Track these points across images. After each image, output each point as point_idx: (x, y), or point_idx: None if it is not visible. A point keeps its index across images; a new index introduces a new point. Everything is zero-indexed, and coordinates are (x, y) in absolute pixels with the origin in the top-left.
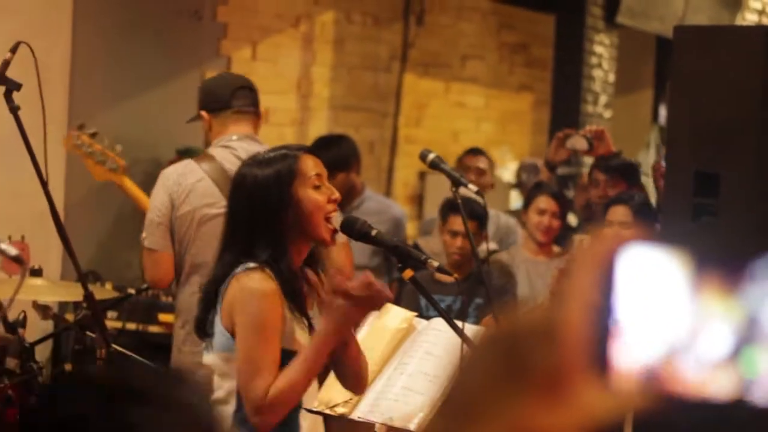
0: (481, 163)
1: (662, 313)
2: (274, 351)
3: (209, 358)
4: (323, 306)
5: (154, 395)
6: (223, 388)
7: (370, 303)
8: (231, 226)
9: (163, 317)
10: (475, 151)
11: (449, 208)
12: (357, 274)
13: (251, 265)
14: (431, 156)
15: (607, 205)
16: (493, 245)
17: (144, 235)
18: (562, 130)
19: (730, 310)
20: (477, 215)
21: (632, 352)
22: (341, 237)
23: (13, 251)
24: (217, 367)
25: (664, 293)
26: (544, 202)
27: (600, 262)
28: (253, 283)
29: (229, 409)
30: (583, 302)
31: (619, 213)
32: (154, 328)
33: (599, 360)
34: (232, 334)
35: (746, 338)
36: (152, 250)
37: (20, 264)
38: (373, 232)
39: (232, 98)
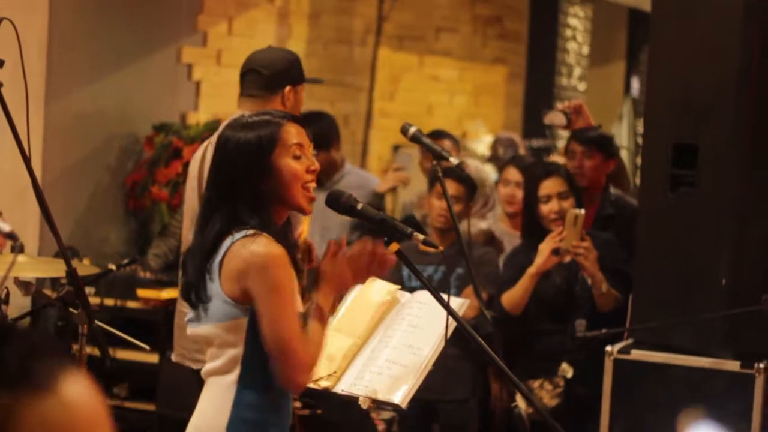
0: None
1: None
2: (296, 312)
3: (204, 329)
4: (324, 271)
5: None
6: (221, 357)
7: (371, 268)
8: (214, 189)
9: (142, 293)
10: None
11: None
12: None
13: (249, 231)
14: (412, 129)
15: (537, 179)
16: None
17: None
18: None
19: None
20: (466, 181)
21: None
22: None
23: (6, 227)
24: (217, 337)
25: None
26: (508, 173)
27: None
28: (262, 248)
29: (229, 378)
30: None
31: (553, 185)
32: (132, 304)
33: None
34: (237, 300)
35: None
36: None
37: (14, 240)
38: (359, 206)
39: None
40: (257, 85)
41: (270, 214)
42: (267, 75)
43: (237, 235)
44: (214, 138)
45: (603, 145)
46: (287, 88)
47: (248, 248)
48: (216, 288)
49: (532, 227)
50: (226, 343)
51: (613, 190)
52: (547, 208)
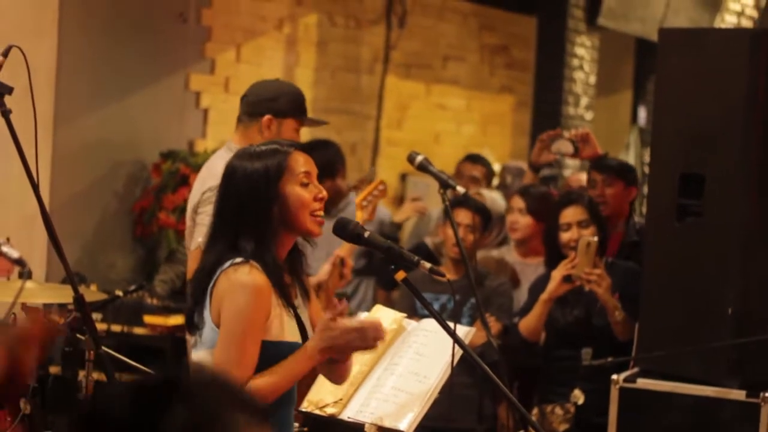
0: (477, 171)
1: None
2: (255, 346)
3: (199, 354)
4: (320, 326)
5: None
6: None
7: (362, 341)
8: (220, 217)
9: (149, 319)
10: (474, 159)
11: (453, 203)
12: None
13: (238, 260)
14: (419, 158)
15: (558, 207)
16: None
17: None
18: (545, 131)
19: None
20: (481, 210)
21: None
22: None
23: (15, 254)
24: (206, 363)
25: None
26: (512, 200)
27: None
28: (242, 277)
29: None
30: None
31: (574, 213)
32: (139, 330)
33: None
34: (219, 327)
35: None
36: None
37: (23, 266)
38: (366, 234)
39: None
40: (242, 110)
41: (270, 242)
42: (249, 101)
43: (226, 264)
44: (203, 173)
45: (623, 173)
46: (267, 117)
47: (230, 277)
48: (207, 315)
49: (554, 255)
50: None
51: (637, 218)
52: (567, 236)
